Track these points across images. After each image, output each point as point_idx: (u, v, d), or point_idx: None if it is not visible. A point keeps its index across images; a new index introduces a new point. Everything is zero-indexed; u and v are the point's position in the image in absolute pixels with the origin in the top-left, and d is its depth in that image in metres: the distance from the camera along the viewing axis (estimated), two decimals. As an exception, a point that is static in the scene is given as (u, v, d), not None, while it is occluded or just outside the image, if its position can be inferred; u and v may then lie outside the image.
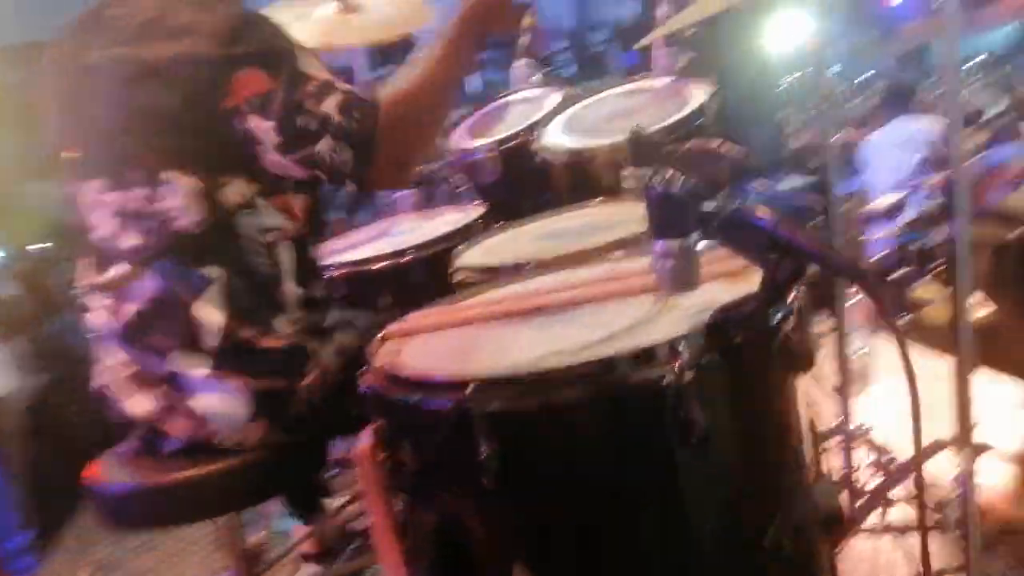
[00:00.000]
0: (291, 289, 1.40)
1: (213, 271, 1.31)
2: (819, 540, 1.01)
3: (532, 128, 2.21)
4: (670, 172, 0.93)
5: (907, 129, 4.38)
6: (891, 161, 4.13)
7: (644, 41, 2.00)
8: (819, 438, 1.06)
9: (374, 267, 1.93)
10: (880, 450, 1.51)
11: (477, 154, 2.37)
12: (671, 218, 0.90)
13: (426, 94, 1.36)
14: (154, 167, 1.30)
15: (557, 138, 2.07)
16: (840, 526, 1.06)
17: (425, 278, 1.92)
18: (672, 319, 0.98)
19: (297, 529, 2.26)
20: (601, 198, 1.82)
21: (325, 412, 1.42)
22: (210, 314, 1.31)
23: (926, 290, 3.24)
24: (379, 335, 1.21)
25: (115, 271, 1.36)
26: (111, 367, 1.42)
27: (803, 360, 0.93)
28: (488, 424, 0.88)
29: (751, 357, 0.90)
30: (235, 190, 1.32)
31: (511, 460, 0.89)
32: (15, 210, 4.35)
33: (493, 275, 1.50)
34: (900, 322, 3.23)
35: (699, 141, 1.47)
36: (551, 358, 0.93)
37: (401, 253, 1.91)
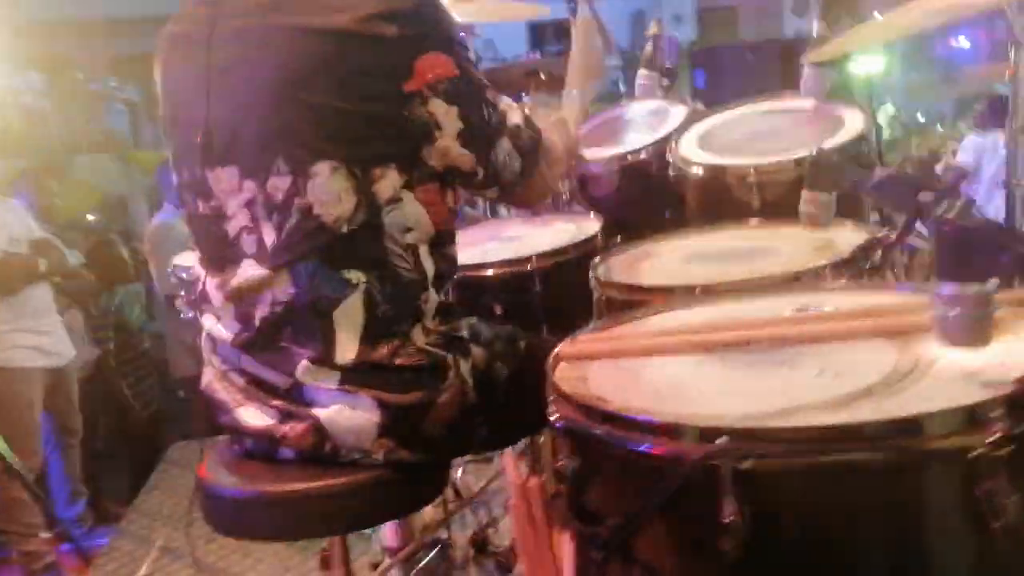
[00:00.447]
0: (432, 297, 1.28)
1: (356, 275, 1.19)
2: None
3: (661, 142, 2.08)
4: (964, 202, 0.79)
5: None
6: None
7: (806, 59, 1.86)
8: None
9: (490, 273, 1.81)
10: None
11: (594, 166, 2.25)
12: (971, 258, 0.76)
13: (573, 132, 1.48)
14: (306, 156, 1.15)
15: (695, 153, 1.93)
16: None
17: (545, 289, 1.79)
18: (940, 376, 0.84)
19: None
20: (752, 220, 1.68)
21: (457, 435, 1.29)
22: (349, 325, 1.18)
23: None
24: (553, 353, 1.08)
25: (246, 273, 1.22)
26: (223, 372, 1.31)
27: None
28: (739, 482, 0.74)
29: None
30: (387, 183, 1.18)
31: (758, 525, 0.75)
32: (68, 181, 4.33)
33: (645, 296, 1.37)
34: None
35: (897, 170, 1.33)
36: (808, 412, 0.80)
37: (523, 261, 1.78)
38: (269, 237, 1.19)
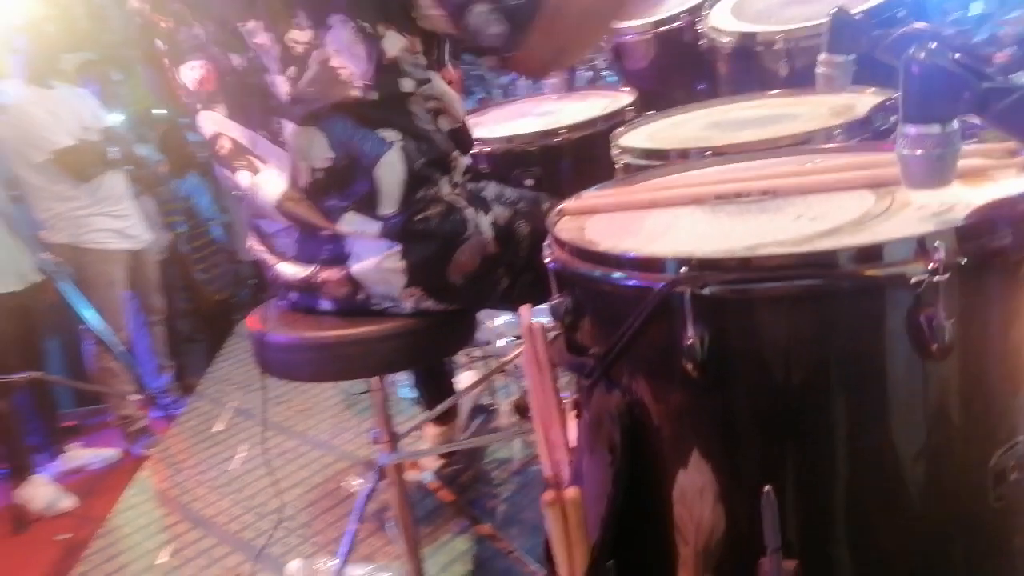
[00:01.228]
0: (460, 158, 1.37)
1: (390, 134, 1.28)
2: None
3: (695, 10, 2.05)
4: (935, 44, 0.81)
5: None
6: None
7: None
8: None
9: (522, 145, 1.86)
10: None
11: (627, 35, 2.23)
12: (935, 98, 0.79)
13: None
14: (323, 9, 1.22)
15: (726, 21, 1.91)
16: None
17: (574, 161, 1.84)
18: (908, 218, 0.89)
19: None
20: (778, 90, 1.68)
21: (479, 284, 1.40)
22: (391, 179, 1.28)
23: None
24: (556, 208, 1.16)
25: (286, 130, 1.31)
26: (269, 234, 1.43)
27: (1058, 274, 0.83)
28: (699, 308, 0.82)
29: (1007, 265, 0.81)
30: (392, 43, 1.25)
31: (719, 348, 0.83)
32: (135, 76, 4.45)
33: (662, 160, 1.42)
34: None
35: (915, 27, 1.31)
36: (772, 247, 0.86)
37: (552, 133, 1.83)
38: (282, 88, 1.27)
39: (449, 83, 1.41)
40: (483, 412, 2.43)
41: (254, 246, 1.48)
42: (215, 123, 1.38)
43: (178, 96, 1.42)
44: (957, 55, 0.79)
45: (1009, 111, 0.73)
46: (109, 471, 3.19)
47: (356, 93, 1.25)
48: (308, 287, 1.41)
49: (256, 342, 1.42)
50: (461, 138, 1.42)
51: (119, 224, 3.44)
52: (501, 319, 2.40)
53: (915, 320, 0.78)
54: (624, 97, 2.04)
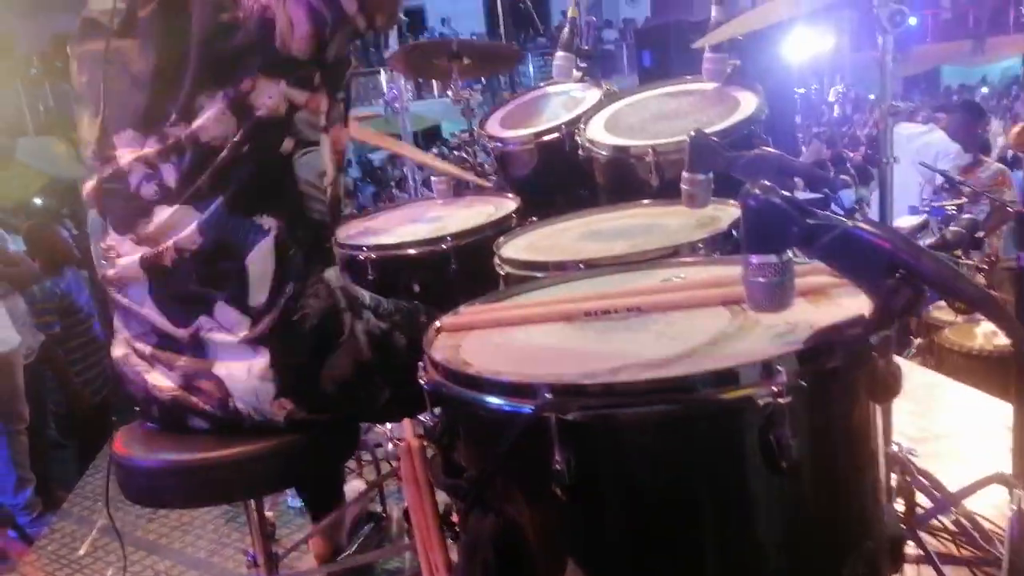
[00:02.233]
0: (335, 244, 1.37)
1: (267, 221, 1.26)
2: (886, 569, 0.98)
3: (573, 123, 2.17)
4: (767, 183, 0.89)
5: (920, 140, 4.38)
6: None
7: (698, 43, 1.96)
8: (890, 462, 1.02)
9: (409, 252, 1.89)
10: (924, 475, 1.48)
11: (511, 145, 2.33)
12: (770, 232, 0.86)
13: None
14: (189, 96, 1.22)
15: (601, 134, 2.03)
16: (901, 555, 1.03)
17: (460, 268, 1.88)
18: (757, 337, 0.95)
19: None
20: (648, 200, 1.78)
21: (355, 394, 1.38)
22: (262, 268, 1.26)
23: (941, 312, 3.21)
24: (434, 326, 1.17)
25: (158, 217, 1.27)
26: (134, 336, 1.37)
27: (891, 389, 0.90)
28: (565, 432, 0.84)
29: (843, 383, 0.87)
30: (260, 92, 1.23)
31: (586, 470, 0.85)
32: (12, 165, 4.28)
33: (540, 271, 1.46)
34: (912, 346, 3.21)
35: (762, 151, 1.42)
36: (633, 370, 0.90)
37: (439, 240, 1.86)
38: (171, 177, 1.26)
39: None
40: (372, 520, 2.35)
41: (124, 355, 1.41)
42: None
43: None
44: (785, 193, 0.87)
45: (828, 247, 0.80)
46: (-46, 603, 2.89)
47: (224, 154, 1.23)
48: (179, 402, 1.35)
49: (120, 469, 1.34)
50: (335, 215, 1.39)
51: (-18, 327, 3.23)
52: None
53: (765, 439, 0.82)
54: (508, 204, 2.11)
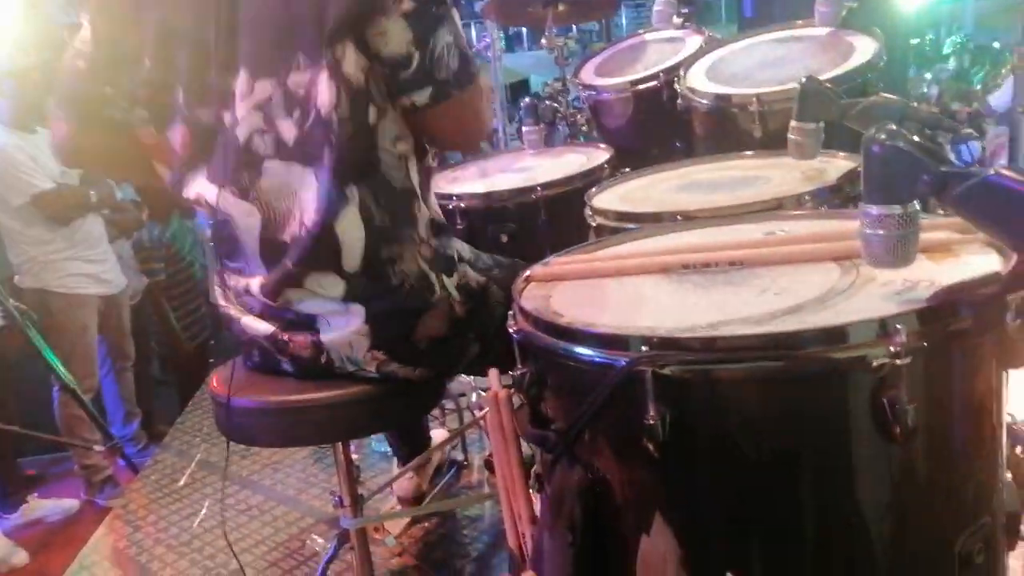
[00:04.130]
0: (423, 208, 1.34)
1: (351, 190, 1.25)
2: (1002, 547, 0.91)
3: (671, 71, 2.08)
4: (893, 127, 0.81)
5: None
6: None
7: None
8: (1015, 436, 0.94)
9: (498, 202, 1.86)
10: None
11: (606, 93, 2.26)
12: (896, 180, 0.79)
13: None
14: (318, 50, 1.18)
15: (702, 82, 1.93)
16: (1018, 532, 0.96)
17: (549, 219, 1.84)
18: (872, 294, 0.88)
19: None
20: (751, 152, 1.69)
21: (446, 349, 1.38)
22: (351, 233, 1.26)
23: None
24: (524, 275, 1.14)
25: (270, 174, 1.26)
26: (235, 287, 1.40)
27: (1020, 356, 0.82)
28: (660, 388, 0.80)
29: (970, 347, 0.80)
30: (351, 64, 1.19)
31: (680, 428, 0.81)
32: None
33: (634, 222, 1.41)
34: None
35: (881, 96, 1.32)
36: (735, 324, 0.85)
37: (529, 190, 1.83)
38: (290, 133, 1.23)
39: None
40: (454, 467, 2.39)
41: (219, 302, 1.45)
42: (197, 186, 1.36)
43: (168, 160, 1.39)
44: (916, 138, 0.79)
45: (965, 196, 0.73)
46: (68, 524, 3.09)
47: (333, 126, 1.20)
48: (274, 344, 1.37)
49: (218, 406, 1.38)
50: (424, 179, 1.36)
51: (94, 269, 3.39)
52: (474, 372, 2.37)
53: (878, 403, 0.77)
54: (601, 154, 2.05)
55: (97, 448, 3.18)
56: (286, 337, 1.35)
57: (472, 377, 2.20)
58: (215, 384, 1.40)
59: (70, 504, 3.24)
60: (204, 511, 2.39)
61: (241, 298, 1.39)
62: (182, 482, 2.63)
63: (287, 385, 1.36)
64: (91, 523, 2.73)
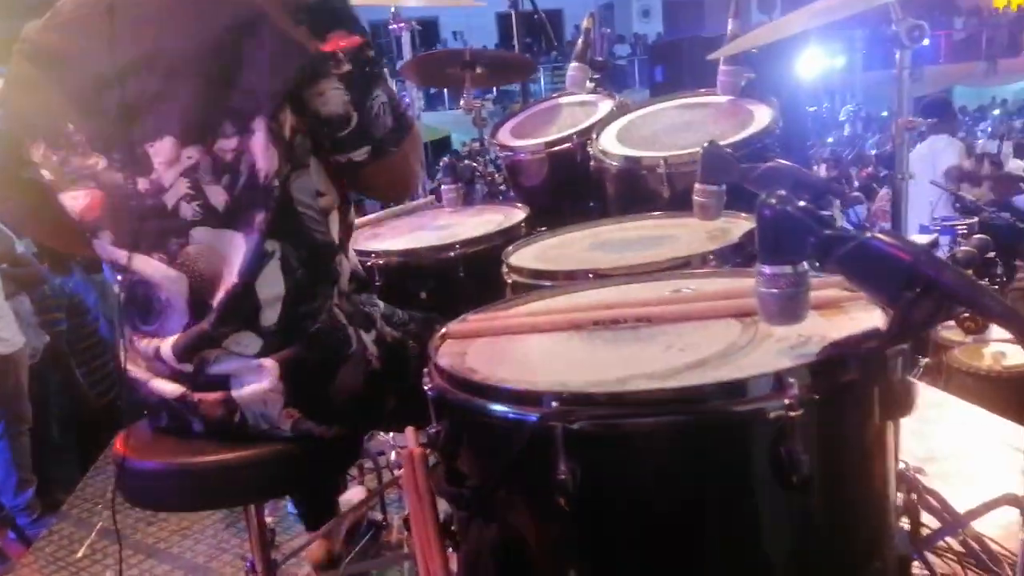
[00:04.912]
0: (345, 262, 1.35)
1: (271, 244, 1.24)
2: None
3: (584, 133, 2.16)
4: (784, 192, 0.87)
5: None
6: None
7: (713, 55, 1.95)
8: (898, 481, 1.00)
9: (417, 259, 1.88)
10: (932, 495, 1.46)
11: (522, 154, 2.32)
12: (785, 242, 0.85)
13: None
14: (247, 115, 1.18)
15: (613, 145, 2.02)
16: (909, 575, 1.01)
17: (467, 276, 1.87)
18: (769, 349, 0.93)
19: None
20: (659, 212, 1.77)
21: (363, 406, 1.37)
22: (271, 290, 1.25)
23: (950, 332, 3.18)
24: (440, 332, 1.16)
25: (198, 240, 1.25)
26: (144, 350, 1.36)
27: (906, 405, 0.88)
28: (571, 442, 0.82)
29: (856, 398, 0.85)
30: (288, 124, 1.21)
31: (591, 481, 0.83)
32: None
33: (549, 280, 1.45)
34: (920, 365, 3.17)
35: (777, 163, 1.41)
36: (641, 380, 0.88)
37: (448, 247, 1.85)
38: (219, 198, 1.22)
39: None
40: (372, 527, 2.34)
41: (127, 366, 1.40)
42: (102, 250, 1.33)
43: (65, 221, 1.35)
44: (802, 203, 0.85)
45: (844, 258, 0.79)
46: (-48, 603, 2.87)
47: (274, 192, 1.21)
48: (184, 404, 1.33)
49: (119, 469, 1.32)
50: (348, 234, 1.37)
51: (-11, 327, 3.22)
52: (394, 430, 2.35)
53: (776, 453, 0.80)
54: (517, 213, 2.10)
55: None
56: (196, 398, 1.32)
57: (392, 435, 2.17)
58: (118, 446, 1.35)
59: (-47, 582, 3.01)
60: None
61: (151, 362, 1.35)
62: (80, 553, 2.48)
63: (195, 446, 1.31)
64: (-24, 602, 2.53)
